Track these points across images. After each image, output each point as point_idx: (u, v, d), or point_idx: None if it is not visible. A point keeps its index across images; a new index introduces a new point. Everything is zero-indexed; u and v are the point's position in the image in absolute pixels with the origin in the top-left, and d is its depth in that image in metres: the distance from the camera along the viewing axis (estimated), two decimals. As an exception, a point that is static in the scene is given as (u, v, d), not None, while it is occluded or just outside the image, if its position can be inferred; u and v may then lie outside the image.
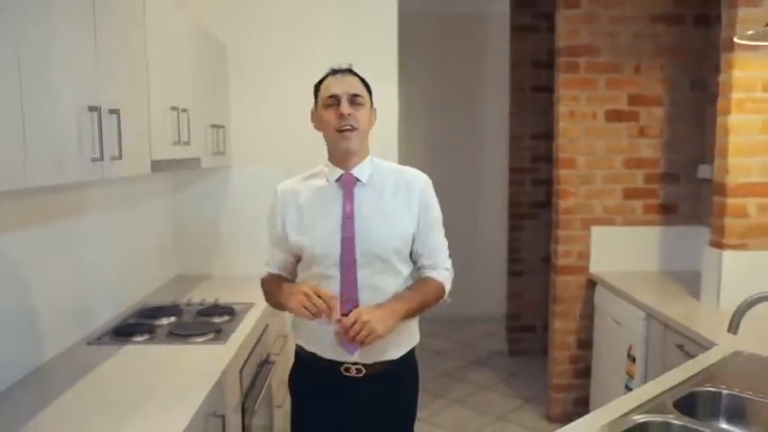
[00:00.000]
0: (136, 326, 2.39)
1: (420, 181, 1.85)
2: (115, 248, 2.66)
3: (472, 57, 5.51)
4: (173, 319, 2.52)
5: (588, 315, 3.52)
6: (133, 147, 1.94)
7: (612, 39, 3.37)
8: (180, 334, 2.32)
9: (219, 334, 2.33)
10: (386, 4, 3.32)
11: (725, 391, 1.79)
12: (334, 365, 1.78)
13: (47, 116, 1.43)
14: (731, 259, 2.66)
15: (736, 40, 2.37)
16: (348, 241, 1.76)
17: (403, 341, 1.83)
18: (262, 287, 2.00)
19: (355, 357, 1.77)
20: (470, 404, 3.97)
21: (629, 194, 3.49)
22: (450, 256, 1.92)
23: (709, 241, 2.78)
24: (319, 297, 1.64)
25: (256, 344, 2.55)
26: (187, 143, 2.49)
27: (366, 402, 1.80)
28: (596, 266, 3.50)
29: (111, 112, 1.75)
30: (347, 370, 1.78)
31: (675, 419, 1.60)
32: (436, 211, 1.86)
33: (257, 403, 2.39)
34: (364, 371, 1.77)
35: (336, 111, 1.73)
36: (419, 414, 1.97)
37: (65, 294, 2.22)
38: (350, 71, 1.80)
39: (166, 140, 2.29)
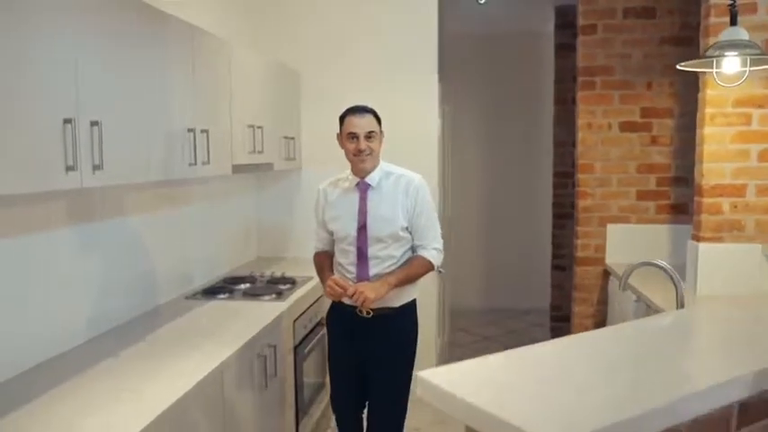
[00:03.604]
0: (220, 288, 3.21)
1: (414, 182, 2.55)
2: (211, 232, 3.50)
3: (523, 71, 6.06)
4: (248, 285, 3.32)
5: (603, 301, 4.02)
6: (218, 155, 2.74)
7: (625, 60, 3.86)
8: (252, 294, 3.12)
9: (281, 295, 3.10)
10: (428, 33, 4.01)
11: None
12: (353, 309, 2.50)
13: (161, 135, 2.24)
14: (706, 251, 3.11)
15: (677, 66, 2.85)
16: (361, 229, 2.51)
17: (401, 296, 2.55)
18: (313, 260, 2.78)
19: None
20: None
21: (642, 196, 3.95)
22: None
23: (690, 235, 3.24)
24: (338, 284, 2.45)
25: (310, 306, 3.29)
26: (261, 152, 3.29)
27: (375, 336, 2.53)
28: (611, 259, 3.99)
29: (203, 131, 2.56)
30: (360, 312, 2.49)
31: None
32: (424, 204, 2.54)
33: (307, 349, 3.14)
34: (372, 313, 2.48)
35: (356, 145, 2.47)
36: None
37: (173, 263, 3.06)
38: (365, 110, 2.52)
39: (244, 150, 3.09)
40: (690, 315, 2.00)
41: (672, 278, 2.12)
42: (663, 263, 2.15)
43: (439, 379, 1.20)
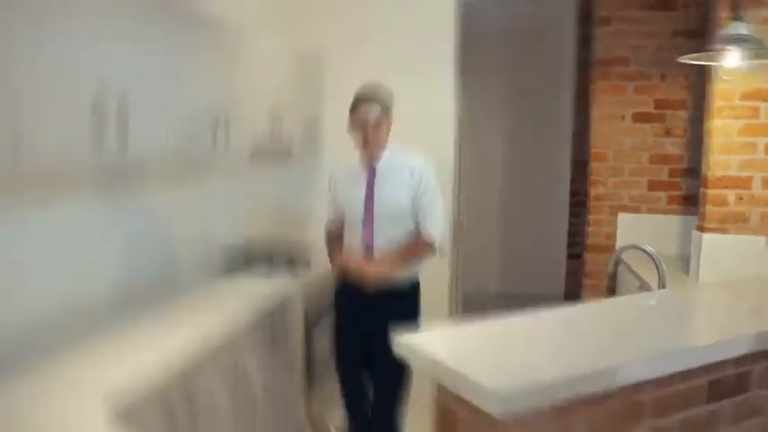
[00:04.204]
0: (239, 265, 3.38)
1: (418, 166, 2.68)
2: (231, 214, 3.67)
3: (543, 62, 6.09)
4: (266, 263, 3.48)
5: (612, 288, 4.09)
6: (238, 139, 2.90)
7: (639, 51, 3.91)
8: (268, 271, 3.28)
9: (296, 274, 3.26)
10: (446, 25, 4.11)
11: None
12: (357, 285, 2.66)
13: (183, 118, 2.41)
14: (710, 241, 3.17)
15: (678, 59, 2.91)
16: (368, 209, 2.68)
17: (404, 274, 2.68)
18: (325, 235, 2.95)
19: None
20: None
21: (654, 186, 4.01)
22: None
23: (695, 226, 3.30)
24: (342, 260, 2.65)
25: (324, 286, 3.43)
26: (281, 138, 3.44)
27: (377, 312, 2.66)
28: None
29: (223, 116, 2.72)
30: (364, 288, 2.64)
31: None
32: (427, 187, 2.68)
33: (319, 327, 3.30)
34: (375, 290, 2.63)
35: (363, 134, 2.64)
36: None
37: (194, 240, 3.24)
38: (373, 99, 2.68)
39: (264, 135, 3.24)
40: (668, 293, 2.10)
41: (654, 260, 2.23)
42: (648, 248, 2.26)
43: (416, 341, 1.33)
